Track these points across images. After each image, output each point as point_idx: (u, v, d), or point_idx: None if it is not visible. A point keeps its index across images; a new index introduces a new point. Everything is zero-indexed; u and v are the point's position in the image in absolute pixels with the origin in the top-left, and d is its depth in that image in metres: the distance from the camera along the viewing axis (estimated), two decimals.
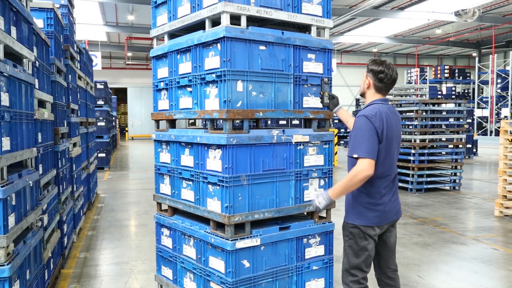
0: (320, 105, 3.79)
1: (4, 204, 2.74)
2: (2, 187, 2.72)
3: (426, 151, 9.93)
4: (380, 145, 2.90)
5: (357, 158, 2.84)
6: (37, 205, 3.63)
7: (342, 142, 24.22)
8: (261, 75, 3.43)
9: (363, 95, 3.17)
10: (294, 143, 3.60)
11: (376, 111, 2.92)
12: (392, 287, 3.19)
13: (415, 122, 10.01)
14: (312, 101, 3.75)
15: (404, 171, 10.12)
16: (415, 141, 9.92)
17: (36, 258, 3.54)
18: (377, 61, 3.03)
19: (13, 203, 2.95)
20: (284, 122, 11.82)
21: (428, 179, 10.07)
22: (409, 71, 29.41)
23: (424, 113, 10.06)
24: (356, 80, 33.94)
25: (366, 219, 2.97)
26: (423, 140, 9.95)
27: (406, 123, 10.41)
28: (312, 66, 3.72)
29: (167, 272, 4.08)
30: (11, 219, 2.88)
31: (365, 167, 2.80)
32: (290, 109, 3.62)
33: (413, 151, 9.89)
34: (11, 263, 2.77)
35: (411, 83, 28.51)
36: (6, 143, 2.86)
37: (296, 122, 11.68)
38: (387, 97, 3.18)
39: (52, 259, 4.34)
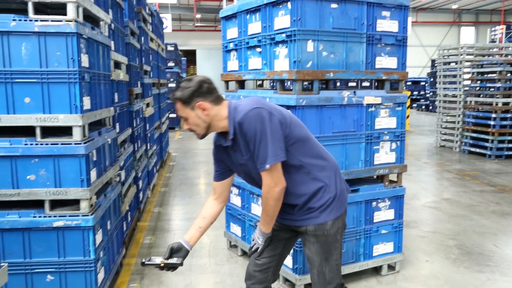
0: (395, 65, 3.63)
1: (87, 160, 2.93)
2: (84, 143, 2.90)
3: (509, 115, 9.28)
4: None
5: None
6: (115, 161, 3.85)
7: (415, 105, 23.23)
8: (332, 34, 3.33)
9: (209, 128, 2.20)
10: (365, 105, 3.49)
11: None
12: None
13: (498, 84, 9.32)
14: (385, 62, 3.60)
15: (483, 136, 9.59)
16: (496, 104, 9.28)
17: (115, 211, 3.79)
18: (181, 86, 2.14)
19: (94, 159, 3.14)
20: (353, 84, 11.50)
21: (510, 145, 9.44)
22: (493, 29, 27.18)
23: (508, 75, 9.34)
24: (432, 39, 32.00)
25: None
26: (506, 104, 9.29)
27: (488, 85, 9.74)
28: (387, 24, 3.54)
29: (236, 229, 4.21)
30: (93, 174, 3.07)
31: None
32: (362, 69, 3.49)
33: (494, 115, 9.28)
34: (94, 214, 2.98)
35: (494, 42, 26.44)
36: (87, 103, 3.02)
37: (366, 84, 11.32)
38: None
39: (129, 212, 4.62)
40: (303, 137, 2.19)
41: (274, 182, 2.10)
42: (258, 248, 2.33)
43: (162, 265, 2.18)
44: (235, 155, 2.20)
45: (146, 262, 2.19)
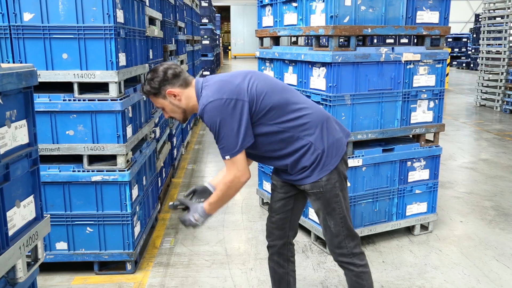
0: (436, 20, 3.46)
1: (122, 116, 2.98)
2: (120, 100, 2.94)
3: None
4: None
5: None
6: (150, 118, 3.90)
7: (455, 63, 22.33)
8: None
9: (186, 112, 2.22)
10: (403, 62, 3.38)
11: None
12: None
13: None
14: (426, 16, 3.44)
15: None
16: None
17: (151, 167, 3.88)
18: (147, 79, 2.15)
19: (130, 115, 3.19)
20: (391, 41, 11.09)
21: None
22: None
23: None
24: None
25: None
26: None
27: None
28: None
29: (268, 186, 4.25)
30: (129, 130, 3.13)
31: None
32: (402, 25, 3.35)
33: None
34: (130, 169, 3.06)
35: None
36: (122, 59, 3.04)
37: (404, 41, 10.90)
38: None
39: (164, 169, 4.72)
40: (279, 103, 2.12)
41: (240, 172, 2.11)
42: (195, 225, 2.23)
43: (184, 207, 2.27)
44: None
45: (175, 204, 2.29)
